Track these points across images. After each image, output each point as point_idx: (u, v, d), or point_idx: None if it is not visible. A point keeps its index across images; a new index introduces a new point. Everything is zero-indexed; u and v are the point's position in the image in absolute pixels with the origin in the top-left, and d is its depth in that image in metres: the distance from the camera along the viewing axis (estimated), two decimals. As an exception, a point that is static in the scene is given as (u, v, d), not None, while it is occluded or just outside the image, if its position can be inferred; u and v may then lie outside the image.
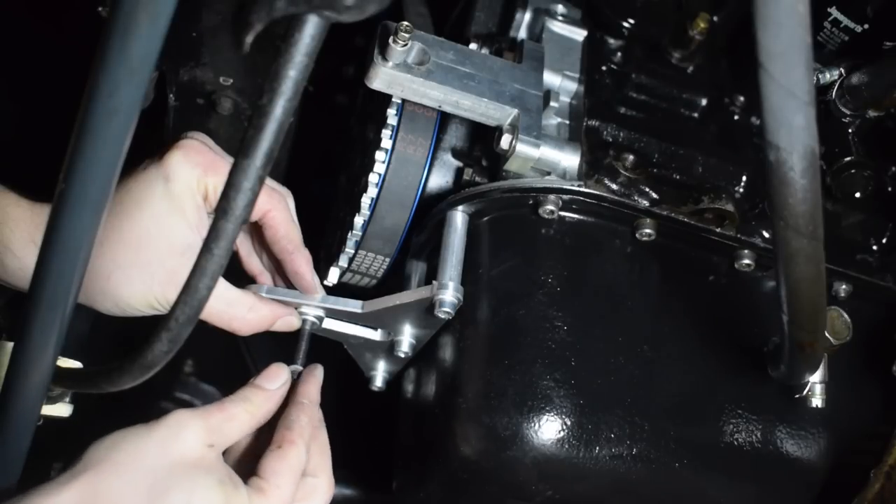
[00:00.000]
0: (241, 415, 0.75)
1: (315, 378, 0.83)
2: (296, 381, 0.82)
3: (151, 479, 0.67)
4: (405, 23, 0.80)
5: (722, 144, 0.96)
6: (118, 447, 0.68)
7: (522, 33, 1.01)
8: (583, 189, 0.84)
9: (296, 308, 0.87)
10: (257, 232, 0.87)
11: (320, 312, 0.88)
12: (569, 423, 0.79)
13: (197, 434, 0.70)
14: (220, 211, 0.52)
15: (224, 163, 0.79)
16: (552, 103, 0.91)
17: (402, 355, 0.91)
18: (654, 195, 0.86)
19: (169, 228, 0.77)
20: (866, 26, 0.97)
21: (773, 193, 0.56)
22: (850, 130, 0.95)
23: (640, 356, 0.84)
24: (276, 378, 0.79)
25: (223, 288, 0.80)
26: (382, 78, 0.82)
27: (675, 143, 0.93)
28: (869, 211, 0.95)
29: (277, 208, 0.82)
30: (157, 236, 0.77)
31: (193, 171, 0.78)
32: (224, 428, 0.73)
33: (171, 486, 0.67)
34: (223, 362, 1.53)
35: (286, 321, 0.86)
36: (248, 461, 0.77)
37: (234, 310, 0.81)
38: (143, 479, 0.66)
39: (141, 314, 0.80)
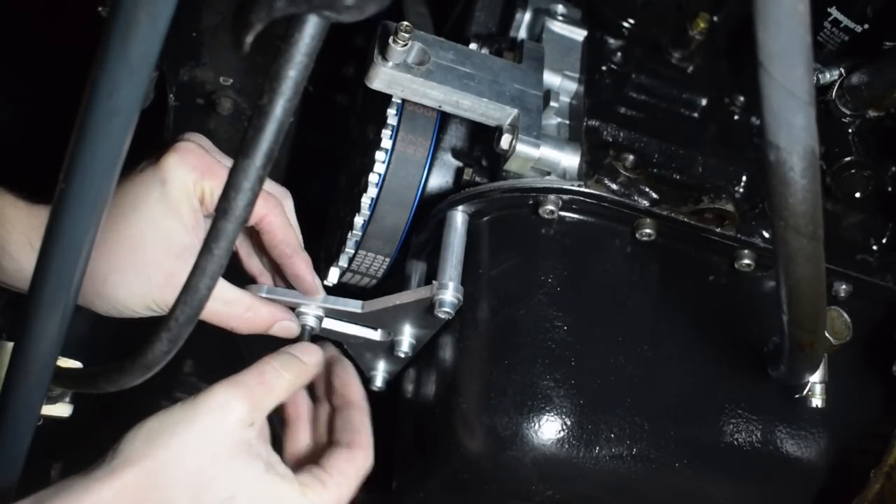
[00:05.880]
0: (279, 388, 0.73)
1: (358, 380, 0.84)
2: (332, 375, 0.82)
3: (196, 471, 0.65)
4: (405, 23, 0.80)
5: (722, 144, 0.96)
6: (159, 441, 0.66)
7: (522, 33, 1.01)
8: (583, 189, 0.84)
9: (295, 308, 0.87)
10: (255, 235, 0.87)
11: (320, 312, 0.88)
12: (569, 423, 0.79)
13: (241, 416, 0.68)
14: (220, 211, 0.52)
15: (221, 166, 0.79)
16: (552, 103, 0.91)
17: (402, 355, 0.91)
18: (654, 195, 0.86)
19: (165, 231, 0.77)
20: (866, 26, 0.97)
21: (773, 193, 0.56)
22: (850, 130, 0.95)
23: (641, 356, 0.84)
24: (312, 353, 0.79)
25: (222, 287, 0.80)
26: (382, 78, 0.82)
27: (675, 143, 0.93)
28: (869, 211, 0.95)
29: (274, 213, 0.81)
30: (153, 239, 0.77)
31: (190, 173, 0.77)
32: (264, 402, 0.71)
33: (214, 476, 0.65)
34: (223, 362, 1.53)
35: (285, 326, 0.85)
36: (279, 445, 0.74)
37: (232, 309, 0.81)
38: (188, 473, 0.65)
39: (139, 316, 0.79)
